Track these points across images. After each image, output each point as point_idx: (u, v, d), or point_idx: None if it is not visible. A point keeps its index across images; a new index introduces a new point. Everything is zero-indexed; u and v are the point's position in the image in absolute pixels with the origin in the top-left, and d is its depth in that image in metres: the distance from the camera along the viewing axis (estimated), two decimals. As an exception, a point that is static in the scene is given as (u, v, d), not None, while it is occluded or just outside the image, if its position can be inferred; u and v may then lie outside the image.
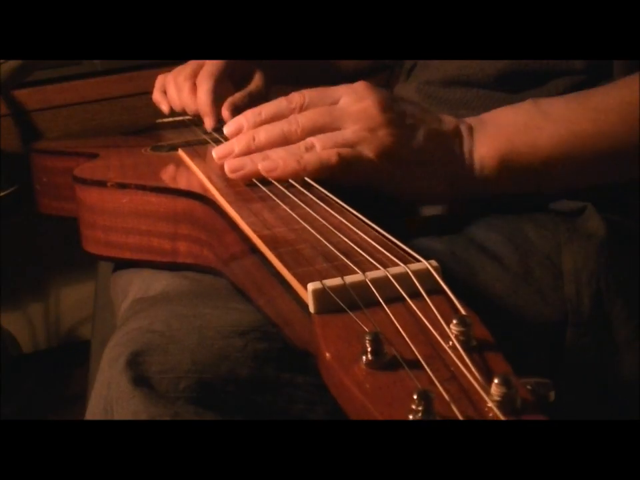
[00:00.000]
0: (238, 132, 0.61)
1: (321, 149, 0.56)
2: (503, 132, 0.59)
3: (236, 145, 0.59)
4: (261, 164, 0.56)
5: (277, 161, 0.56)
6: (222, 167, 0.63)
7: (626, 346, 0.58)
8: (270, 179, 0.57)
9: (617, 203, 0.63)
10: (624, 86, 0.59)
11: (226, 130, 0.62)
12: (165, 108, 0.86)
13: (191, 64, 0.83)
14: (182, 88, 0.82)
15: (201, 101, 0.79)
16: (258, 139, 0.58)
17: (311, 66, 0.95)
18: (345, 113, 0.58)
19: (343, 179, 0.56)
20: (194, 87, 0.81)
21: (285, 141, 0.58)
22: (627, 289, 0.59)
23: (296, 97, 0.60)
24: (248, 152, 0.59)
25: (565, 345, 0.57)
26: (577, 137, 0.58)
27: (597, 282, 0.57)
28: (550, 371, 0.56)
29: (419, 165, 0.58)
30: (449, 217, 0.64)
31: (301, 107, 0.59)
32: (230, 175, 0.58)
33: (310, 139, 0.57)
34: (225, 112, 0.80)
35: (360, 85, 0.59)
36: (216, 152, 0.60)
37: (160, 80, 0.87)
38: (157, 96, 0.87)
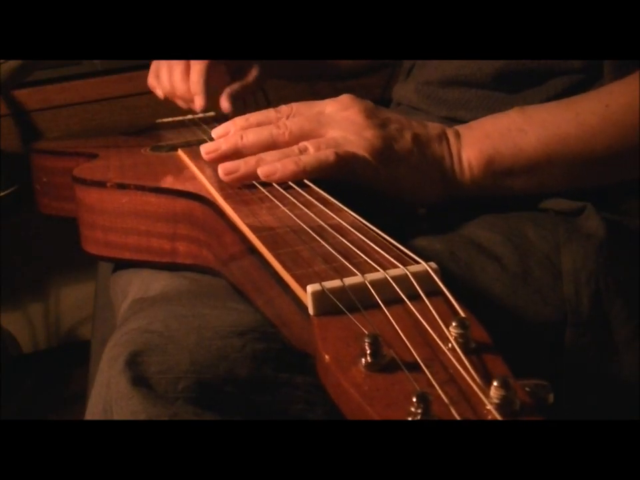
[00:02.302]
0: (225, 134, 0.61)
1: (314, 151, 0.57)
2: (488, 135, 0.60)
3: (224, 142, 0.60)
4: (259, 168, 0.56)
5: (275, 164, 0.56)
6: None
7: (626, 346, 0.58)
8: (269, 182, 0.57)
9: (616, 203, 0.63)
10: (606, 92, 0.61)
11: (214, 132, 0.62)
12: (159, 93, 0.86)
13: None
14: (174, 69, 0.82)
15: (193, 80, 0.80)
16: (246, 139, 0.59)
17: (311, 64, 0.95)
18: (331, 120, 0.59)
19: (338, 178, 0.57)
20: (186, 69, 0.81)
21: (272, 143, 0.59)
22: (626, 288, 0.58)
23: (284, 108, 0.61)
24: (235, 150, 0.59)
25: (564, 345, 0.57)
26: (560, 139, 0.59)
27: (596, 282, 0.57)
28: (549, 371, 0.56)
29: (407, 166, 0.59)
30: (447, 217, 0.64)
31: (288, 116, 0.61)
32: (223, 178, 0.57)
33: (303, 143, 0.58)
34: (224, 101, 0.81)
35: (345, 97, 0.61)
36: (203, 148, 0.61)
37: (154, 64, 0.87)
38: (151, 81, 0.87)
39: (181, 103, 0.84)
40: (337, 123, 0.59)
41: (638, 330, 0.58)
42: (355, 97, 0.61)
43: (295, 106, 0.61)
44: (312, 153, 0.57)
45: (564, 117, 0.59)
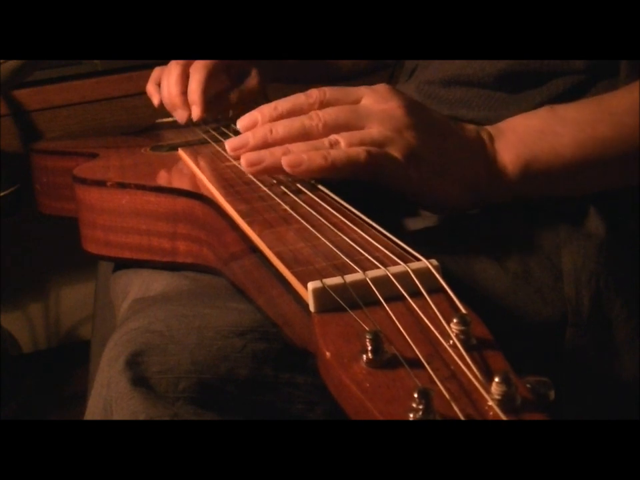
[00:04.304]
0: (252, 126, 0.57)
1: (346, 146, 0.53)
2: (522, 139, 0.57)
3: (251, 137, 0.56)
4: (284, 158, 0.52)
5: (301, 156, 0.52)
6: (222, 167, 0.63)
7: (626, 346, 0.58)
8: (293, 174, 0.54)
9: (617, 203, 0.63)
10: (636, 88, 0.58)
11: (239, 123, 0.58)
12: (155, 101, 0.85)
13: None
14: (171, 72, 0.81)
15: (192, 89, 0.79)
16: (276, 132, 0.55)
17: (310, 65, 0.95)
18: (370, 112, 0.55)
19: (368, 179, 0.54)
20: (183, 74, 0.80)
21: (304, 136, 0.54)
22: (626, 288, 0.58)
23: (315, 93, 0.57)
24: (264, 145, 0.55)
25: (564, 345, 0.57)
26: (596, 141, 0.57)
27: (596, 282, 0.57)
28: (549, 370, 0.56)
29: (444, 170, 0.56)
30: (441, 230, 0.63)
31: (320, 102, 0.56)
32: (247, 169, 0.54)
33: (334, 136, 0.54)
34: (214, 111, 0.81)
35: (382, 87, 0.57)
36: (229, 143, 0.57)
37: (156, 72, 0.86)
38: (150, 88, 0.86)
39: (179, 114, 0.81)
40: (376, 116, 0.54)
41: (638, 330, 0.58)
42: (392, 87, 0.57)
43: (327, 91, 0.56)
44: (343, 148, 0.53)
45: (598, 118, 0.57)
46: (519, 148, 0.57)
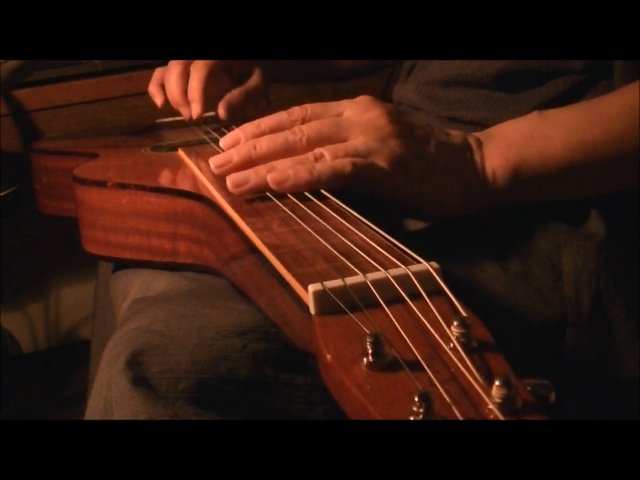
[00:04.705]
0: (235, 144, 0.57)
1: (331, 158, 0.53)
2: (511, 143, 0.57)
3: (235, 153, 0.55)
4: (269, 175, 0.52)
5: (287, 172, 0.52)
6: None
7: (626, 346, 0.58)
8: (279, 192, 0.53)
9: (617, 204, 0.63)
10: (628, 92, 0.59)
11: (222, 142, 0.58)
12: (158, 102, 0.85)
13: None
14: (171, 72, 0.81)
15: (192, 87, 0.79)
16: (259, 148, 0.55)
17: (311, 65, 0.95)
18: (352, 124, 0.55)
19: (357, 190, 0.54)
20: (184, 73, 0.80)
21: (288, 151, 0.54)
22: (626, 288, 0.59)
23: (297, 110, 0.57)
24: (248, 161, 0.55)
25: (564, 345, 0.57)
26: (587, 145, 0.57)
27: (596, 282, 0.58)
28: (549, 370, 0.56)
29: (431, 177, 0.55)
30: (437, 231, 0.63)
31: (302, 119, 0.56)
32: (233, 190, 0.54)
33: (318, 149, 0.54)
34: (221, 108, 0.80)
35: (364, 98, 0.57)
36: (213, 161, 0.57)
37: (158, 72, 0.86)
38: (152, 89, 0.86)
39: (184, 112, 0.82)
40: (359, 127, 0.55)
41: (638, 330, 0.58)
42: (374, 98, 0.57)
43: (309, 108, 0.57)
44: (328, 161, 0.53)
45: (589, 122, 0.57)
46: (509, 152, 0.57)
